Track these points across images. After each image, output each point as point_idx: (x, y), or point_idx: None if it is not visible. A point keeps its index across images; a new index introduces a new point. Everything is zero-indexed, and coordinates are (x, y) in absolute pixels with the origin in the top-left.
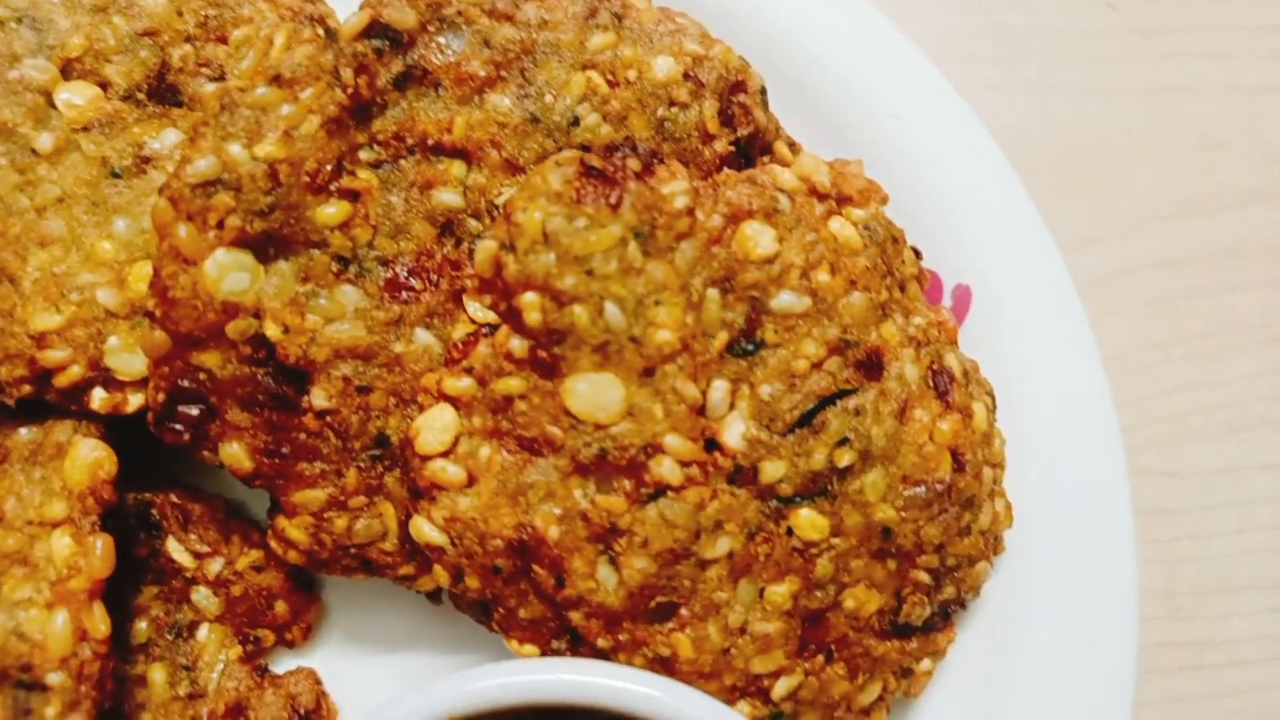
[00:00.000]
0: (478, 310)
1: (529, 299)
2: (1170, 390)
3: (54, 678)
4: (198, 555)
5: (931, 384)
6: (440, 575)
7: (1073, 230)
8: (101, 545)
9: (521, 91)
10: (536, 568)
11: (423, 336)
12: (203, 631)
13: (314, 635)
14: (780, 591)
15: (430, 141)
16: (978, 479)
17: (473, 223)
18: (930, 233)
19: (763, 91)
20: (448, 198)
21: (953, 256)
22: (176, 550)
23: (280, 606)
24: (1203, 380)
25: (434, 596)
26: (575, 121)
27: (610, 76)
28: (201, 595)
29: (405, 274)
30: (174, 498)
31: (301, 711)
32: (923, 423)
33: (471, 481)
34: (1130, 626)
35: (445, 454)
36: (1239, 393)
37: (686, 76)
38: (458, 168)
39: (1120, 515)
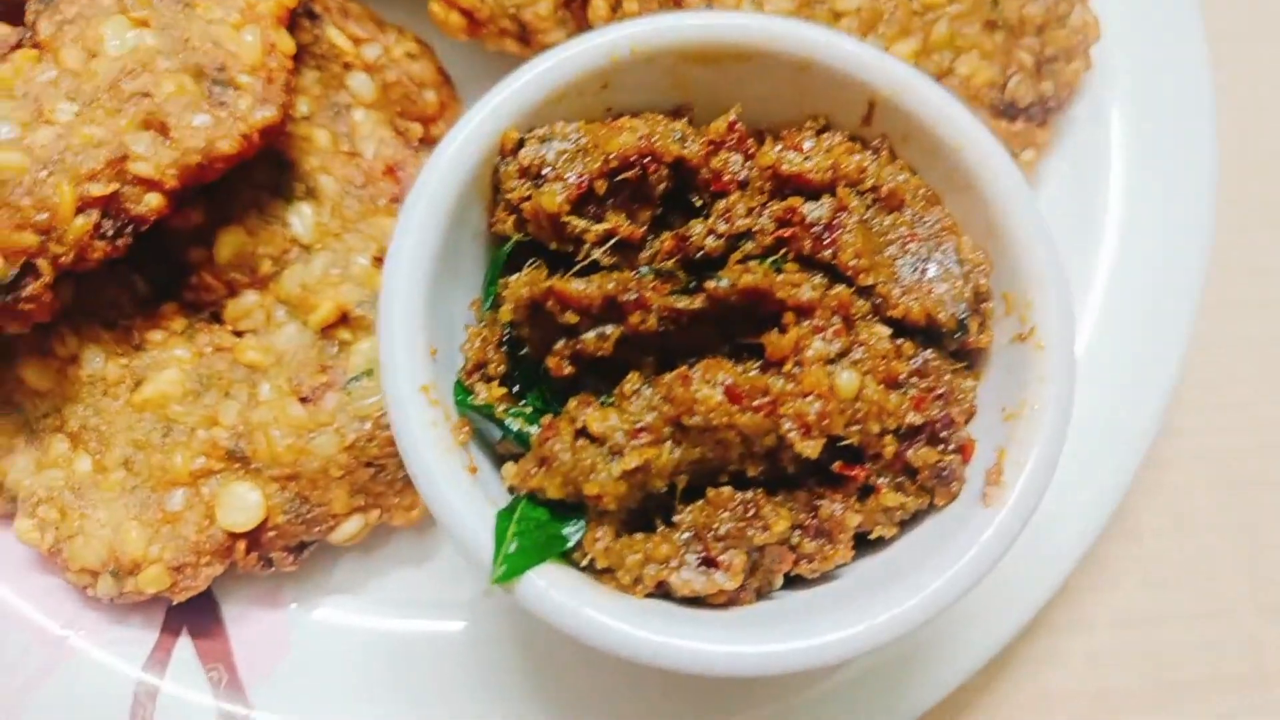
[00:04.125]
0: None
1: None
2: None
3: (245, 79)
4: (356, 40)
5: None
6: (597, 8)
7: None
8: None
9: None
10: None
11: None
12: (358, 114)
13: None
14: (903, 50)
15: None
16: None
17: None
18: None
19: None
20: None
21: None
22: (336, 35)
23: (430, 96)
24: None
25: None
26: None
27: None
28: (358, 80)
29: None
30: None
31: None
32: None
33: None
34: (1209, 149)
35: None
36: None
37: None
38: None
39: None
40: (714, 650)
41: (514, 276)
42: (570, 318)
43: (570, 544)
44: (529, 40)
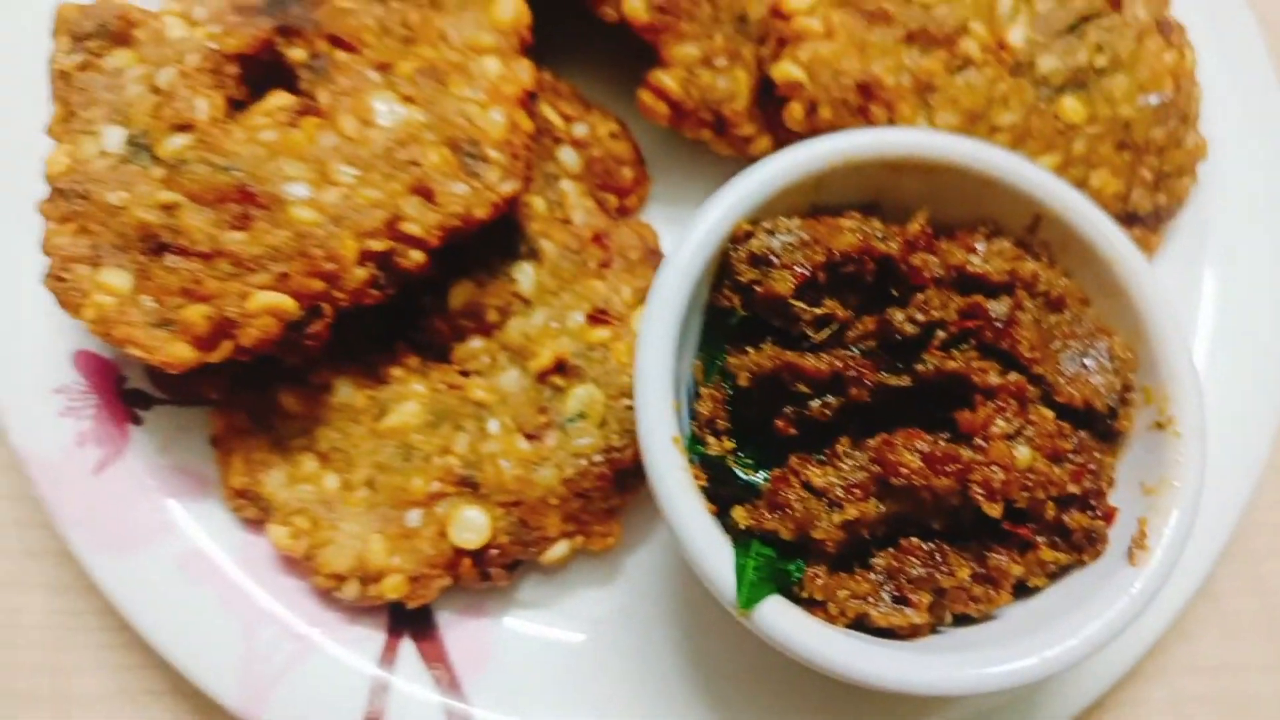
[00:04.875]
0: None
1: None
2: None
3: (492, 153)
4: (566, 118)
5: (1158, 28)
6: (794, 111)
7: None
8: (525, 66)
9: None
10: (873, 107)
11: None
12: (565, 184)
13: (644, 206)
14: (1046, 164)
15: None
16: (1190, 100)
17: None
18: None
19: None
20: None
21: None
22: (550, 112)
23: (626, 172)
24: None
25: None
26: None
27: None
28: (566, 154)
29: None
30: (548, 75)
31: (648, 246)
32: (1152, 50)
33: (827, 34)
34: None
35: (807, 12)
36: None
37: None
38: None
39: None
40: (923, 675)
41: (745, 347)
42: (800, 388)
43: (793, 579)
44: (724, 132)
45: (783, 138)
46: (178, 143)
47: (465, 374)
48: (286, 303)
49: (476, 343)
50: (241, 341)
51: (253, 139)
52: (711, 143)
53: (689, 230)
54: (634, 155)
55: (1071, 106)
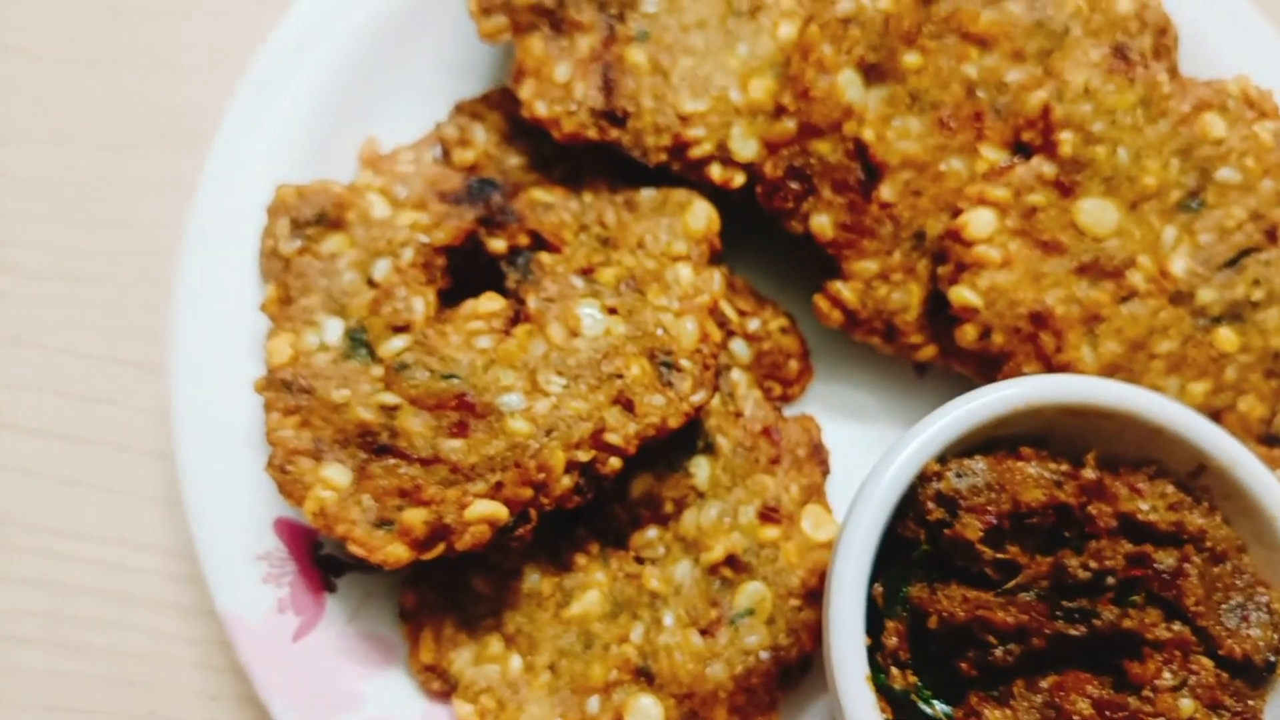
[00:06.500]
0: (989, 151)
1: (1066, 136)
2: None
3: (685, 363)
4: (741, 313)
5: None
6: (968, 332)
7: None
8: (718, 276)
9: (1031, 3)
10: (1043, 335)
11: (955, 163)
12: (735, 374)
13: (804, 395)
14: (1198, 389)
15: (964, 30)
16: None
17: (980, 93)
18: None
19: (1175, 37)
20: (970, 70)
21: None
22: (726, 307)
23: (793, 365)
24: None
25: (921, 368)
26: (1065, 31)
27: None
28: (738, 345)
29: (947, 116)
30: (725, 270)
31: (814, 442)
32: None
33: (1004, 264)
34: None
35: (986, 241)
36: None
37: (1137, 16)
38: (977, 51)
39: None
40: None
41: (927, 580)
42: (989, 638)
43: None
44: (892, 339)
45: (948, 348)
46: (397, 345)
47: (640, 561)
48: (500, 511)
49: (652, 532)
50: (456, 546)
51: (468, 344)
52: (877, 346)
53: (882, 467)
54: (801, 349)
55: (1226, 337)
